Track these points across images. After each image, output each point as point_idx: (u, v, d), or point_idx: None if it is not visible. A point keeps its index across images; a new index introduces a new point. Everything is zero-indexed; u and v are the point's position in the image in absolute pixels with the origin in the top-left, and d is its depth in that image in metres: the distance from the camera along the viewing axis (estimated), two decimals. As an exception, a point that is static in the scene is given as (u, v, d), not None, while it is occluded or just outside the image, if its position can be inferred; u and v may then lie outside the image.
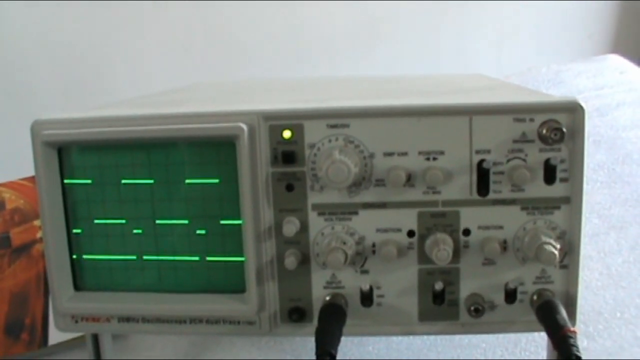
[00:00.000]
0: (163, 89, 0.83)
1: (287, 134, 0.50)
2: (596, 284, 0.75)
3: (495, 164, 0.50)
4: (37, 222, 0.78)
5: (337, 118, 0.50)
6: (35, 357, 0.74)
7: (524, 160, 0.50)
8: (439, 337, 0.69)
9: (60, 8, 1.67)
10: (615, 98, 1.13)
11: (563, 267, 0.51)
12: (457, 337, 0.68)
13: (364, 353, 0.68)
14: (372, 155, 0.50)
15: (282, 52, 1.95)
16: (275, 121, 0.50)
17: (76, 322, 0.56)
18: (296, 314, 0.53)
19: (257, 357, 0.70)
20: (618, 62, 1.25)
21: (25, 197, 0.80)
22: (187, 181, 0.53)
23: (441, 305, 0.53)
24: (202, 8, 1.83)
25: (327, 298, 0.53)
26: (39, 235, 0.78)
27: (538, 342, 0.66)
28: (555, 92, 1.16)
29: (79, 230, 0.55)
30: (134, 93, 0.88)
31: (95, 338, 0.61)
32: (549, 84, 1.20)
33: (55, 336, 0.74)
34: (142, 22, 1.80)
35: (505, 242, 0.51)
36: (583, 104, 0.49)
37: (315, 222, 0.52)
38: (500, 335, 0.68)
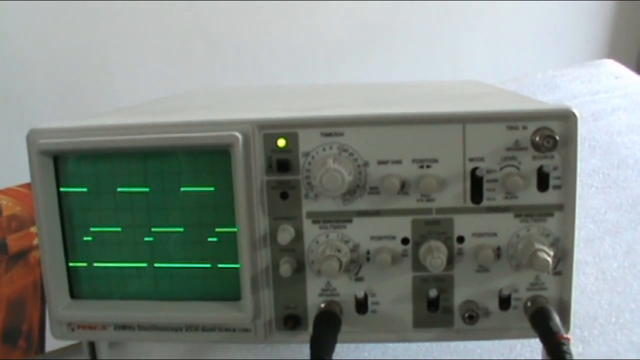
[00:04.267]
0: (160, 96, 0.83)
1: (281, 142, 0.51)
2: (591, 289, 0.75)
3: (488, 171, 0.50)
4: (34, 229, 0.78)
5: (331, 127, 0.50)
6: (32, 364, 0.74)
7: (517, 167, 0.50)
8: (435, 342, 0.69)
9: (57, 13, 1.68)
10: (610, 103, 1.13)
11: (557, 273, 0.52)
12: (453, 342, 0.68)
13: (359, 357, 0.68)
14: (366, 164, 0.50)
15: (280, 58, 1.95)
16: (269, 130, 0.51)
17: (72, 330, 0.56)
18: (291, 322, 0.53)
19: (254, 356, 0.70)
20: (613, 67, 1.26)
21: (22, 204, 0.81)
22: (183, 189, 0.53)
23: (435, 312, 0.53)
24: (200, 14, 1.83)
25: (322, 305, 0.53)
26: (35, 242, 0.78)
27: (533, 347, 0.67)
28: (551, 97, 1.16)
29: (75, 238, 0.55)
30: (133, 98, 0.88)
31: (92, 344, 0.62)
32: (545, 88, 1.20)
33: (52, 343, 0.74)
34: (141, 27, 1.80)
35: (499, 249, 0.51)
36: (576, 112, 0.49)
37: (310, 230, 0.52)
38: (496, 341, 0.68)
